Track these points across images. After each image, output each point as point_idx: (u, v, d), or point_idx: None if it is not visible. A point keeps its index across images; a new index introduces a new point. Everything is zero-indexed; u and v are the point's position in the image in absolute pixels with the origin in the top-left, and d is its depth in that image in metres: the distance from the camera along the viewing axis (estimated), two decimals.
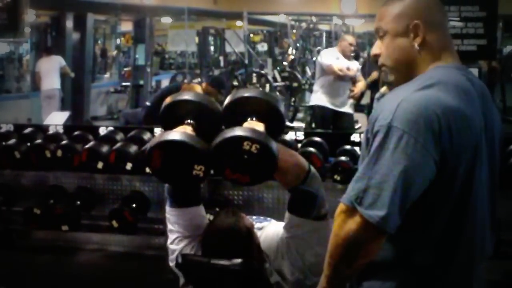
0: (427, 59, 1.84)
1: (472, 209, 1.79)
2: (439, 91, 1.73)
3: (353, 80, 6.87)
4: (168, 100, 2.42)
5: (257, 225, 2.57)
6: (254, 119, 2.32)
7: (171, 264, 2.49)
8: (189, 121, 2.36)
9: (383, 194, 1.67)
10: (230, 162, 2.24)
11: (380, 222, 1.67)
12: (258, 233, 2.51)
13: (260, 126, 2.29)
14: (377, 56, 1.92)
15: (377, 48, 1.91)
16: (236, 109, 2.35)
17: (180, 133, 2.28)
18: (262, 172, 2.28)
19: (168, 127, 2.38)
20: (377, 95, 6.60)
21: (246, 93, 2.41)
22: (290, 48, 12.41)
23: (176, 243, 2.50)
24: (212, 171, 2.31)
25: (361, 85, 6.97)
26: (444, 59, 1.86)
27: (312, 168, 2.39)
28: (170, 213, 2.50)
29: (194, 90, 6.48)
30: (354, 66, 6.92)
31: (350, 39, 7.10)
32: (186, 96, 2.42)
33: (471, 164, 1.75)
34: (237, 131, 2.24)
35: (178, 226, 2.48)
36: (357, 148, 4.62)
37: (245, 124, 2.29)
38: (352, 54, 7.03)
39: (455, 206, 1.76)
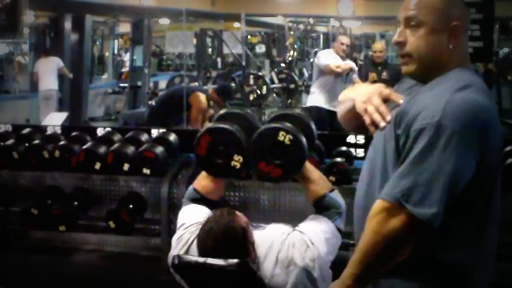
0: (454, 61, 1.85)
1: (495, 209, 1.82)
2: (475, 93, 1.76)
3: (350, 82, 6.90)
4: (219, 113, 2.78)
5: (259, 228, 2.60)
6: None
7: (169, 260, 2.52)
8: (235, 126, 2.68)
9: (433, 192, 1.68)
10: (266, 153, 2.55)
11: (431, 219, 1.68)
12: (255, 232, 2.54)
13: None
14: (400, 44, 1.88)
15: (402, 36, 1.87)
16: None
17: (228, 123, 2.61)
18: (293, 165, 2.56)
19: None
20: None
21: (285, 111, 2.87)
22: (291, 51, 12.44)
23: (179, 237, 2.57)
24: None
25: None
26: (466, 62, 1.89)
27: (336, 189, 2.61)
28: (184, 209, 2.67)
29: (201, 100, 6.49)
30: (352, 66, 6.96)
31: (343, 39, 7.13)
32: (234, 110, 2.81)
33: (497, 164, 1.80)
34: (274, 124, 2.61)
35: (188, 217, 2.61)
36: (352, 150, 4.65)
37: None
38: (343, 54, 7.02)
39: (483, 206, 1.78)
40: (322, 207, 2.58)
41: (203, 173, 2.72)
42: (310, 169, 2.65)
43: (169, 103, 6.84)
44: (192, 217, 2.63)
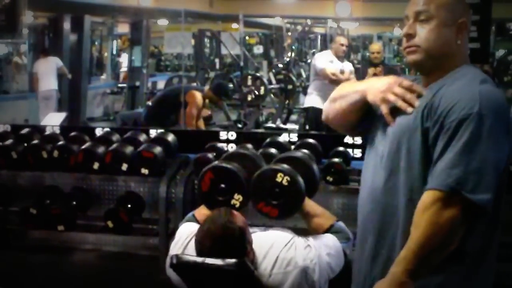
0: (460, 56, 1.94)
1: (502, 197, 1.87)
2: (493, 87, 1.86)
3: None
4: (229, 152, 3.09)
5: (261, 229, 2.63)
6: None
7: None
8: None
9: (485, 179, 1.73)
10: (265, 194, 2.70)
11: (488, 204, 1.73)
12: (262, 232, 2.57)
13: None
14: (410, 36, 1.93)
15: (411, 28, 1.93)
16: None
17: (231, 163, 2.79)
18: (290, 204, 2.71)
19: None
20: None
21: (290, 154, 3.19)
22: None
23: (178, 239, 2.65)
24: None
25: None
26: (467, 58, 1.97)
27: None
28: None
29: (196, 97, 6.55)
30: (347, 68, 6.94)
31: (341, 39, 7.12)
32: (241, 150, 3.15)
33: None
34: (273, 165, 2.82)
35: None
36: (350, 150, 4.67)
37: None
38: (343, 55, 7.04)
39: (499, 194, 1.82)
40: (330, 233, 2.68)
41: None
42: (313, 205, 2.76)
43: (165, 103, 6.90)
44: (188, 229, 2.66)
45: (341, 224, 2.72)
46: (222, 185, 2.74)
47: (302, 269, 2.42)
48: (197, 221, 2.73)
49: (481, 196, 1.72)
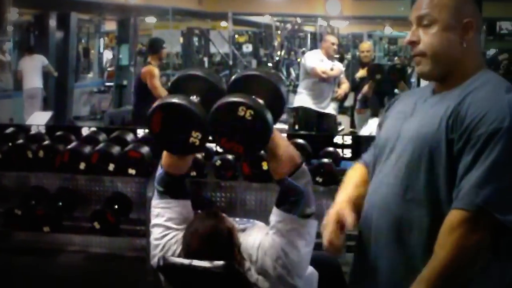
0: (470, 59, 1.85)
1: None
2: None
3: (338, 83, 6.89)
4: (176, 76, 2.53)
5: (239, 227, 2.57)
6: (255, 97, 2.35)
7: (153, 261, 2.48)
8: (194, 97, 2.41)
9: None
10: (226, 129, 2.31)
11: None
12: (241, 234, 2.51)
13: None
14: (413, 43, 1.87)
15: (414, 35, 1.86)
16: (240, 87, 2.41)
17: (182, 97, 2.36)
18: (255, 141, 2.35)
19: None
20: (359, 97, 6.63)
21: (250, 72, 2.54)
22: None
23: (160, 237, 2.51)
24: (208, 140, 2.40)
25: (345, 86, 7.00)
26: (481, 63, 1.89)
27: (304, 165, 2.43)
28: (158, 205, 2.54)
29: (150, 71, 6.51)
30: (338, 67, 6.93)
31: (332, 38, 7.12)
32: (194, 71, 2.53)
33: None
34: (233, 97, 2.32)
35: (165, 219, 2.51)
36: (339, 150, 4.63)
37: None
38: (336, 56, 7.05)
39: None
40: (281, 192, 2.44)
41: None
42: (276, 142, 2.41)
43: (150, 100, 6.84)
44: (168, 223, 2.55)
45: (293, 179, 2.38)
46: (176, 124, 2.35)
47: (277, 278, 2.37)
48: (168, 175, 2.53)
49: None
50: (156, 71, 6.68)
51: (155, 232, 2.54)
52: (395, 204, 1.85)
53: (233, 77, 2.49)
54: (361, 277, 1.99)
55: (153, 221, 2.57)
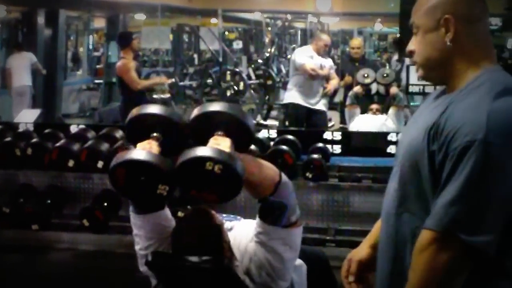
0: (462, 57, 1.72)
1: None
2: None
3: (327, 78, 6.89)
4: (134, 112, 2.35)
5: (226, 224, 2.56)
6: (220, 133, 2.23)
7: (142, 269, 2.47)
8: (155, 134, 2.29)
9: (487, 218, 1.55)
10: (195, 182, 2.18)
11: (487, 248, 1.56)
12: (228, 234, 2.51)
13: (226, 142, 2.19)
14: (411, 53, 1.80)
15: (411, 44, 1.80)
16: (203, 123, 2.28)
17: (145, 152, 2.22)
18: (227, 191, 2.21)
19: (133, 139, 2.32)
20: (350, 94, 6.63)
21: (213, 108, 2.30)
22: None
23: (144, 248, 2.48)
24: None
25: (334, 82, 7.00)
26: (487, 60, 1.73)
27: (283, 177, 2.35)
28: (135, 219, 2.48)
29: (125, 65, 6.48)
30: (328, 64, 6.93)
31: (325, 38, 7.11)
32: (153, 109, 2.34)
33: None
34: (199, 151, 2.16)
35: (144, 231, 2.46)
36: (329, 146, 4.64)
37: (211, 141, 2.20)
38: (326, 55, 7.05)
39: None
40: (264, 208, 2.38)
41: None
42: (250, 171, 2.27)
43: (129, 92, 6.80)
44: (148, 235, 2.50)
45: (276, 197, 2.31)
46: (140, 179, 2.21)
47: (262, 285, 2.38)
48: None
49: (480, 238, 1.55)
50: (130, 64, 6.66)
51: (139, 243, 2.52)
52: (392, 216, 1.80)
53: (195, 112, 2.30)
54: None
55: (134, 231, 2.53)
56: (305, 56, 6.79)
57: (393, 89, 6.35)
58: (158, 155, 2.23)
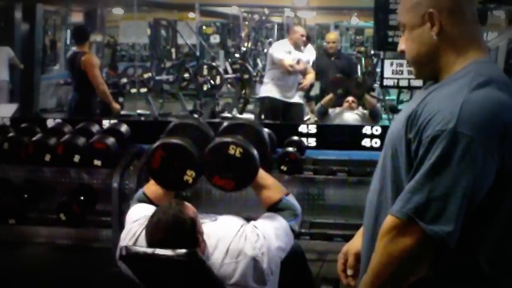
0: (450, 50, 1.71)
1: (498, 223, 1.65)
2: (496, 91, 1.61)
3: (303, 72, 6.90)
4: (173, 123, 2.94)
5: (211, 218, 2.62)
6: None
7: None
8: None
9: (449, 208, 1.54)
10: (218, 167, 2.67)
11: (446, 238, 1.54)
12: (212, 223, 2.56)
13: None
14: (402, 52, 1.80)
15: (401, 44, 1.80)
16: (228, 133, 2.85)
17: (181, 138, 2.72)
18: (245, 176, 2.68)
19: None
20: (317, 108, 6.63)
21: (236, 122, 3.15)
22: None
23: (127, 231, 2.62)
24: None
25: (310, 76, 7.02)
26: (475, 51, 1.71)
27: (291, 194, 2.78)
28: (135, 210, 2.73)
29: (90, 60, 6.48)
30: (306, 58, 6.92)
31: (301, 30, 7.11)
32: (188, 120, 3.12)
33: None
34: (224, 138, 2.72)
35: (143, 214, 2.62)
36: (304, 139, 4.69)
37: None
38: (303, 47, 7.02)
39: (508, 211, 1.64)
40: (277, 209, 2.68)
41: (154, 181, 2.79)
42: (264, 176, 2.75)
43: (88, 87, 6.73)
44: (140, 212, 2.64)
45: (290, 198, 2.74)
46: (174, 162, 2.68)
47: (251, 258, 2.44)
48: (148, 199, 2.75)
49: (440, 227, 1.54)
50: (96, 60, 6.64)
51: (124, 230, 2.62)
52: (374, 203, 1.81)
53: (222, 126, 2.94)
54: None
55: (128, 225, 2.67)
56: (283, 51, 6.77)
57: (370, 101, 6.31)
58: (191, 142, 2.72)
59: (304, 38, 6.93)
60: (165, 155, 2.68)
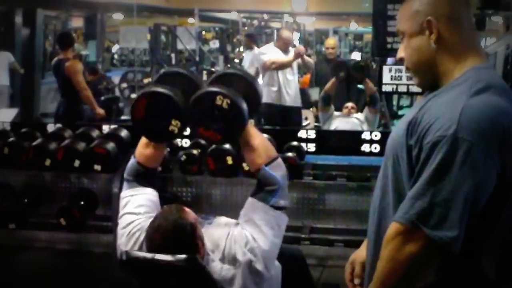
0: (448, 57, 1.72)
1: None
2: (495, 96, 1.62)
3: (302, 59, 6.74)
4: (162, 71, 2.81)
5: (207, 221, 2.61)
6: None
7: (118, 251, 2.53)
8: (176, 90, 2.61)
9: (451, 213, 1.55)
10: (204, 118, 2.51)
11: (450, 243, 1.56)
12: (208, 226, 2.56)
13: None
14: (401, 60, 1.81)
15: (400, 52, 1.81)
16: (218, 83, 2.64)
17: (166, 87, 2.56)
18: (232, 129, 2.53)
19: None
20: (322, 95, 6.59)
21: (227, 70, 3.04)
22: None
23: (126, 225, 2.59)
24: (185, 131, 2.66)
25: (309, 58, 6.98)
26: (474, 57, 1.73)
27: (280, 159, 2.60)
28: (127, 194, 2.67)
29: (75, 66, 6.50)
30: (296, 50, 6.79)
31: (285, 34, 6.99)
32: (178, 69, 2.85)
33: None
34: (211, 88, 2.55)
35: (134, 206, 2.61)
36: (304, 144, 4.69)
37: None
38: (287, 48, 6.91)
39: (511, 217, 1.65)
40: (258, 182, 2.57)
41: (142, 142, 2.69)
42: (254, 134, 2.59)
43: (73, 93, 6.74)
44: (136, 210, 2.62)
45: (270, 169, 2.53)
46: (158, 111, 2.53)
47: (245, 264, 2.42)
48: (140, 165, 2.66)
49: (444, 233, 1.55)
50: (79, 66, 6.67)
51: (122, 222, 2.61)
52: (376, 211, 1.82)
53: (213, 75, 2.73)
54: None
55: (122, 211, 2.64)
56: (267, 56, 6.70)
57: (371, 87, 6.24)
58: (178, 91, 2.57)
59: (289, 43, 6.88)
60: (148, 104, 2.53)
